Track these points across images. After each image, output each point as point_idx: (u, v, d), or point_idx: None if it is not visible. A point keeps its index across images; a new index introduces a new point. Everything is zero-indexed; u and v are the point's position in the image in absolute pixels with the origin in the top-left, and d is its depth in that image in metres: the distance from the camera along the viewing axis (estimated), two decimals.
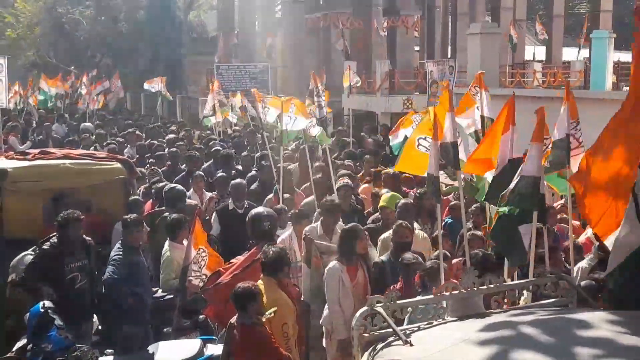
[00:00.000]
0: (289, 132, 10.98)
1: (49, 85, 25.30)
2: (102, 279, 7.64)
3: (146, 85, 24.98)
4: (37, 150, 10.07)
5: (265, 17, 36.82)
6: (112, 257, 7.35)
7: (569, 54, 30.96)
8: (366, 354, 3.84)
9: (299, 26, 32.33)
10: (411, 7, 32.29)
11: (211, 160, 12.73)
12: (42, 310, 6.23)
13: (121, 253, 7.36)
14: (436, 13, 32.90)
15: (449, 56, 28.57)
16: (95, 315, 7.64)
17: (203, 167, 12.26)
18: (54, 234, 7.35)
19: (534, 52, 34.00)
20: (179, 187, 9.64)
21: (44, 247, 7.24)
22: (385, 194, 9.42)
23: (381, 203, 9.05)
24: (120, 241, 7.58)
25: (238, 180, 10.14)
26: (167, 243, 8.00)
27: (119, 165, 9.41)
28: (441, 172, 7.02)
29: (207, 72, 32.04)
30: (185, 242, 7.64)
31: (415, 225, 8.09)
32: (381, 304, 3.97)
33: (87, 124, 19.54)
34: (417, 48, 35.04)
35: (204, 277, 7.20)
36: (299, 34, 32.20)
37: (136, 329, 7.29)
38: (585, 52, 23.96)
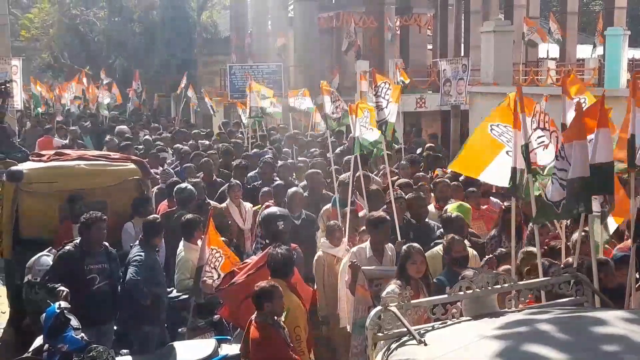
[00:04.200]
0: (363, 141, 9.39)
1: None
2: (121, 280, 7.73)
3: (190, 93, 23.90)
4: (52, 152, 10.13)
5: (277, 16, 36.80)
6: (133, 258, 7.35)
7: (583, 51, 30.80)
8: (380, 353, 3.84)
9: (312, 25, 32.29)
10: (424, 5, 32.19)
11: (256, 170, 11.80)
12: (58, 310, 6.25)
13: (142, 254, 7.37)
14: (449, 11, 32.83)
15: (462, 54, 28.48)
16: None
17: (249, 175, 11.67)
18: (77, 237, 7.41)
19: (548, 49, 33.81)
20: (190, 187, 9.65)
21: (67, 247, 7.29)
22: (452, 203, 8.64)
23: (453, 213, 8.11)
24: (139, 241, 7.62)
25: (294, 189, 9.28)
26: (181, 243, 8.04)
27: (133, 166, 9.45)
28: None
29: (221, 73, 32.09)
30: (200, 242, 7.66)
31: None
32: (395, 304, 3.96)
33: (123, 126, 19.31)
34: (430, 46, 34.96)
35: (217, 277, 7.21)
36: (311, 33, 32.16)
37: (155, 328, 7.35)
38: (599, 50, 23.83)
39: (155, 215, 8.02)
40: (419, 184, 10.09)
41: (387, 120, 8.88)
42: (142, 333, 7.28)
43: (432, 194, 9.69)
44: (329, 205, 9.34)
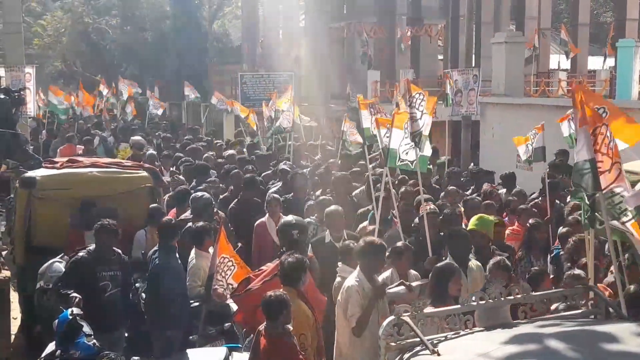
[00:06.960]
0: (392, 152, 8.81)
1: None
2: (133, 287, 7.80)
3: (214, 100, 23.28)
4: (65, 159, 10.19)
5: (289, 26, 36.97)
6: (165, 265, 7.46)
7: (595, 62, 30.75)
8: None
9: (323, 35, 32.38)
10: (435, 16, 32.26)
11: (280, 183, 11.42)
12: (71, 317, 6.28)
13: (165, 261, 7.48)
14: (460, 22, 32.89)
15: (473, 65, 28.50)
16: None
17: (272, 190, 11.00)
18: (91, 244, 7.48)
19: (559, 60, 33.76)
20: (206, 195, 9.64)
21: (79, 254, 7.34)
22: (474, 216, 8.24)
23: (470, 226, 7.87)
24: (159, 247, 7.70)
25: (334, 207, 8.56)
26: (193, 251, 8.04)
27: (145, 173, 9.49)
28: None
29: (232, 81, 32.22)
30: (211, 250, 7.68)
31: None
32: (408, 314, 3.96)
33: (137, 137, 19.15)
34: (441, 57, 34.97)
35: (229, 286, 7.22)
36: (322, 43, 32.23)
37: (178, 332, 7.40)
38: (610, 61, 23.80)
39: (170, 218, 8.05)
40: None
41: (421, 131, 8.57)
42: (165, 337, 7.32)
43: (463, 212, 9.32)
44: (365, 223, 8.97)
